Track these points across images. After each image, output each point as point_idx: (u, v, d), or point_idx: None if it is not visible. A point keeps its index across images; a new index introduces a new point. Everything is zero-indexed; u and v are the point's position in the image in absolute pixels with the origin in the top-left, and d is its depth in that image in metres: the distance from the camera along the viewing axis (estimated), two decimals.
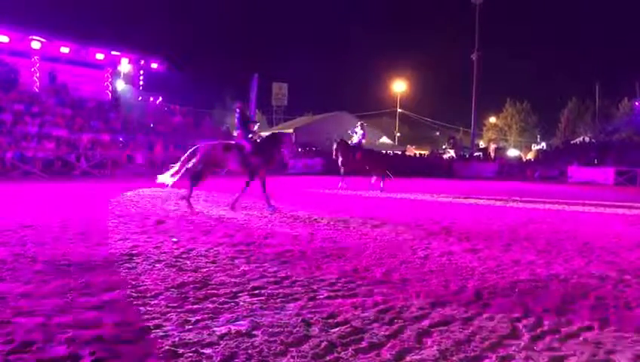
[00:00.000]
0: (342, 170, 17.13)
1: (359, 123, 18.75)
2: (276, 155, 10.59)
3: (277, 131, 11.06)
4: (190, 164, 10.13)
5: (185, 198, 10.24)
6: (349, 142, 17.55)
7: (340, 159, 16.94)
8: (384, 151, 35.60)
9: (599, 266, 5.66)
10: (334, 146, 17.38)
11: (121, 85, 34.23)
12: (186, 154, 10.32)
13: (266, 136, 10.97)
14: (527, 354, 3.15)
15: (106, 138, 25.78)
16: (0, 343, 3.08)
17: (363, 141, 17.49)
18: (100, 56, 31.11)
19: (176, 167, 10.28)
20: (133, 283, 4.49)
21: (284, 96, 61.58)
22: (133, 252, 5.79)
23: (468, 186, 21.51)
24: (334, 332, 3.42)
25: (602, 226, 9.09)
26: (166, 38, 59.42)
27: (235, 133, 10.86)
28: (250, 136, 10.77)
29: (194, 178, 10.27)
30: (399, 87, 60.37)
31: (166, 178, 10.28)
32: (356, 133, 17.61)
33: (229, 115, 64.19)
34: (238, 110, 11.04)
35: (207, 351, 3.07)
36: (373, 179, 17.11)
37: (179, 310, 3.80)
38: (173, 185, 10.37)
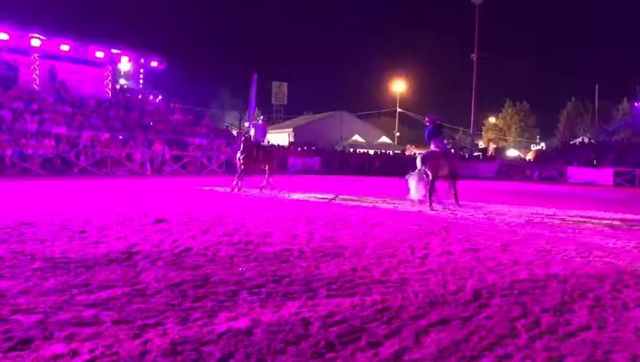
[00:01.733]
0: (242, 169, 15.12)
1: (261, 117, 17.32)
2: None
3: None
4: (425, 172, 11.33)
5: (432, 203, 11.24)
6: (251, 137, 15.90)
7: (243, 155, 15.02)
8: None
9: (598, 266, 5.68)
10: (242, 140, 15.64)
11: (122, 82, 34.32)
12: (419, 165, 11.40)
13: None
14: (526, 354, 3.16)
15: (105, 136, 25.77)
16: None
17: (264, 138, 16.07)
18: (99, 54, 31.12)
19: (416, 178, 11.40)
20: (133, 281, 4.50)
21: (284, 95, 61.60)
22: (133, 250, 5.79)
23: (468, 186, 21.53)
24: (333, 331, 3.43)
25: (600, 227, 9.10)
26: (166, 37, 59.41)
27: (430, 145, 11.87)
28: (447, 145, 12.36)
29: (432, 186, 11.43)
30: (399, 86, 60.38)
31: (414, 193, 11.46)
32: (252, 128, 16.18)
33: (227, 114, 64.31)
34: (431, 122, 12.01)
35: (207, 348, 3.07)
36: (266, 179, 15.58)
37: (178, 308, 3.80)
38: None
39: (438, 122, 12.31)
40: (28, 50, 28.74)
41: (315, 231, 7.55)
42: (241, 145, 15.34)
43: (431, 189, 11.31)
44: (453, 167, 11.83)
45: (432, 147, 11.80)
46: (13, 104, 25.51)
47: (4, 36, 26.94)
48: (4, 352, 2.93)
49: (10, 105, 25.25)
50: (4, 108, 24.80)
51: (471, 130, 45.34)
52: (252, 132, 16.04)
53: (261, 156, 15.37)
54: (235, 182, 14.88)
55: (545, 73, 76.05)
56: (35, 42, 28.12)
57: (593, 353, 3.21)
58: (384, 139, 53.93)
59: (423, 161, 11.36)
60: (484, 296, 4.36)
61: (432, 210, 10.85)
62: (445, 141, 12.36)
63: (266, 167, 15.75)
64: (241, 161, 15.08)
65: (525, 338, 3.41)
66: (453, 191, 11.88)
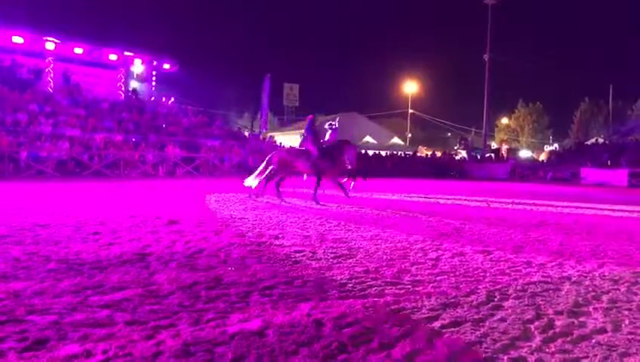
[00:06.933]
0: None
1: (333, 121, 17.40)
2: None
3: None
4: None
5: None
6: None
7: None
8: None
9: (612, 268, 5.61)
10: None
11: (135, 85, 34.64)
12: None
13: None
14: (539, 356, 3.13)
15: (118, 138, 25.97)
16: (14, 341, 3.11)
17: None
18: (113, 56, 31.45)
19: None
20: (146, 282, 4.52)
21: (296, 97, 61.63)
22: (146, 251, 5.83)
23: (480, 187, 21.42)
24: (345, 333, 3.42)
25: (615, 228, 9.00)
26: (178, 39, 59.74)
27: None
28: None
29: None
30: (410, 87, 60.20)
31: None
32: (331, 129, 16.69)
33: (239, 115, 64.50)
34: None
35: (219, 349, 3.08)
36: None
37: (191, 309, 3.82)
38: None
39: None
40: (42, 54, 29.08)
41: (326, 233, 7.55)
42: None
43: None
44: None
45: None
46: (28, 106, 25.80)
47: (19, 40, 27.28)
48: (19, 352, 2.96)
49: (25, 108, 25.54)
50: (19, 110, 25.10)
51: (483, 131, 45.07)
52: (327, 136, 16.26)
53: None
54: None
55: (558, 73, 75.32)
56: (50, 45, 28.45)
57: (608, 356, 3.18)
58: (396, 140, 53.76)
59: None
60: (497, 298, 4.33)
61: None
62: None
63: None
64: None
65: (539, 341, 3.38)
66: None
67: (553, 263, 5.81)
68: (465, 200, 14.34)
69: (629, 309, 4.12)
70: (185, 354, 3.01)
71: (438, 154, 41.86)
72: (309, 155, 12.30)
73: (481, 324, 3.67)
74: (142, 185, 17.07)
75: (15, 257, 5.30)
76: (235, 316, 3.69)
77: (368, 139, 50.09)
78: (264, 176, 12.51)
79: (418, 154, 44.10)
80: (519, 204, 13.63)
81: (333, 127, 15.24)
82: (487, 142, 48.28)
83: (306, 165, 12.36)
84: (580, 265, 5.73)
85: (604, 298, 4.42)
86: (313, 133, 12.63)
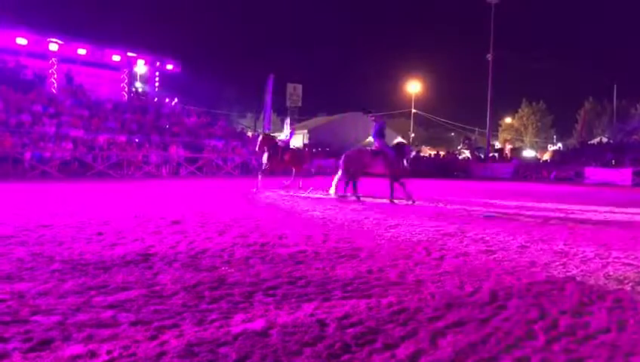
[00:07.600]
0: (264, 167, 15.94)
1: (287, 122, 18.26)
2: None
3: None
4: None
5: None
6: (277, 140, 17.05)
7: (266, 154, 15.77)
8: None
9: (617, 268, 5.60)
10: (260, 138, 16.53)
11: (138, 86, 34.72)
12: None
13: None
14: (543, 356, 3.12)
15: (122, 139, 26.01)
16: (19, 341, 3.12)
17: (290, 140, 17.08)
18: (116, 57, 31.49)
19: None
20: (150, 282, 4.53)
21: (299, 97, 61.57)
22: (149, 252, 5.84)
23: (483, 187, 21.39)
24: (349, 333, 3.42)
25: (619, 227, 8.97)
26: (181, 40, 59.82)
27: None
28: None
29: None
30: (414, 87, 60.08)
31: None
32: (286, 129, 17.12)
33: (242, 116, 64.53)
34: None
35: (223, 350, 3.08)
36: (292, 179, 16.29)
37: (194, 309, 3.82)
38: None
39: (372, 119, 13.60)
40: (46, 55, 29.15)
41: (329, 233, 7.55)
42: (260, 144, 16.07)
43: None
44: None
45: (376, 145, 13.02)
46: (32, 107, 25.87)
47: (22, 41, 27.35)
48: (23, 352, 2.97)
49: (29, 109, 25.61)
50: (23, 111, 25.17)
51: (487, 131, 44.99)
52: (283, 136, 16.78)
53: (287, 158, 15.99)
54: (258, 184, 15.50)
55: (562, 72, 75.19)
56: (53, 46, 28.51)
57: (613, 356, 3.17)
58: (399, 140, 53.66)
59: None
60: (500, 298, 4.32)
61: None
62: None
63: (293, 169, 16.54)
64: (266, 160, 15.85)
65: (543, 341, 3.37)
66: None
67: (557, 263, 5.80)
68: (468, 200, 14.30)
69: (634, 309, 4.10)
70: (189, 354, 3.01)
71: (442, 154, 41.73)
72: (385, 156, 12.62)
73: (485, 324, 3.66)
74: (145, 186, 17.10)
75: (19, 258, 5.31)
76: (238, 316, 3.69)
77: (371, 139, 49.96)
78: (343, 179, 12.93)
79: (421, 154, 44.00)
80: (523, 203, 13.60)
81: (294, 126, 15.98)
82: (491, 142, 48.21)
83: (382, 167, 12.71)
84: (584, 265, 5.71)
85: (609, 297, 4.41)
86: (383, 136, 13.15)
